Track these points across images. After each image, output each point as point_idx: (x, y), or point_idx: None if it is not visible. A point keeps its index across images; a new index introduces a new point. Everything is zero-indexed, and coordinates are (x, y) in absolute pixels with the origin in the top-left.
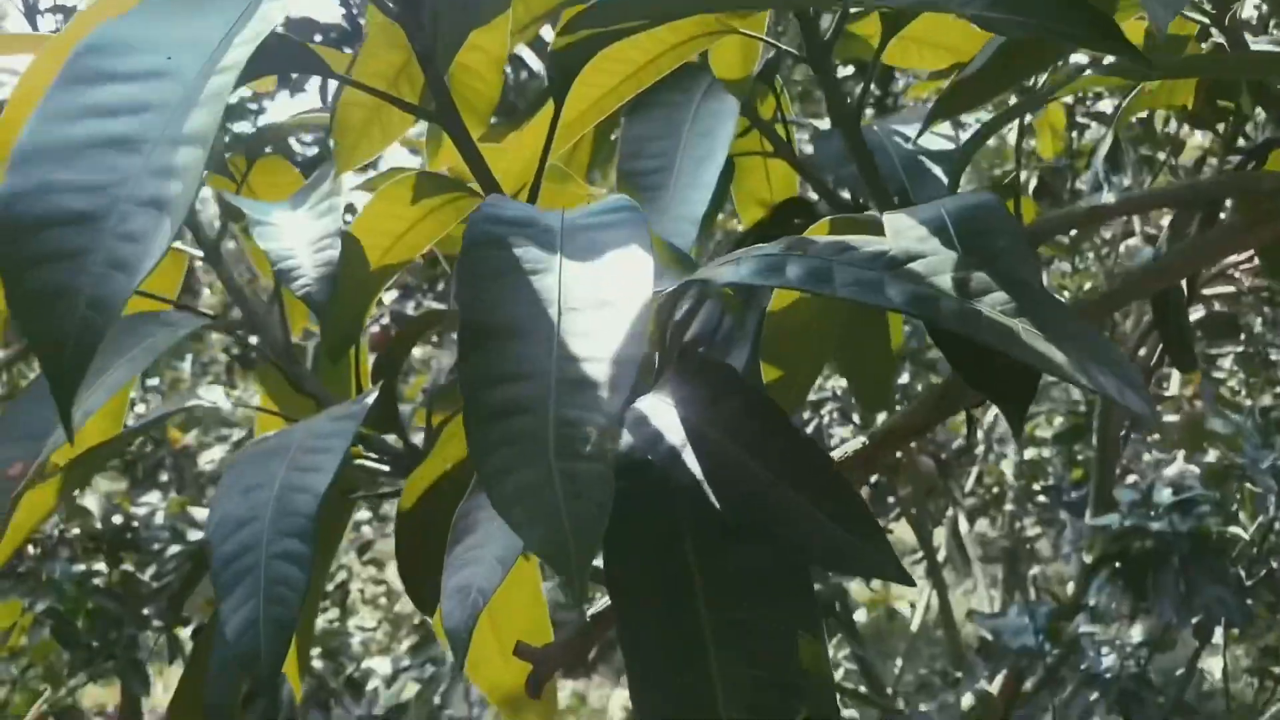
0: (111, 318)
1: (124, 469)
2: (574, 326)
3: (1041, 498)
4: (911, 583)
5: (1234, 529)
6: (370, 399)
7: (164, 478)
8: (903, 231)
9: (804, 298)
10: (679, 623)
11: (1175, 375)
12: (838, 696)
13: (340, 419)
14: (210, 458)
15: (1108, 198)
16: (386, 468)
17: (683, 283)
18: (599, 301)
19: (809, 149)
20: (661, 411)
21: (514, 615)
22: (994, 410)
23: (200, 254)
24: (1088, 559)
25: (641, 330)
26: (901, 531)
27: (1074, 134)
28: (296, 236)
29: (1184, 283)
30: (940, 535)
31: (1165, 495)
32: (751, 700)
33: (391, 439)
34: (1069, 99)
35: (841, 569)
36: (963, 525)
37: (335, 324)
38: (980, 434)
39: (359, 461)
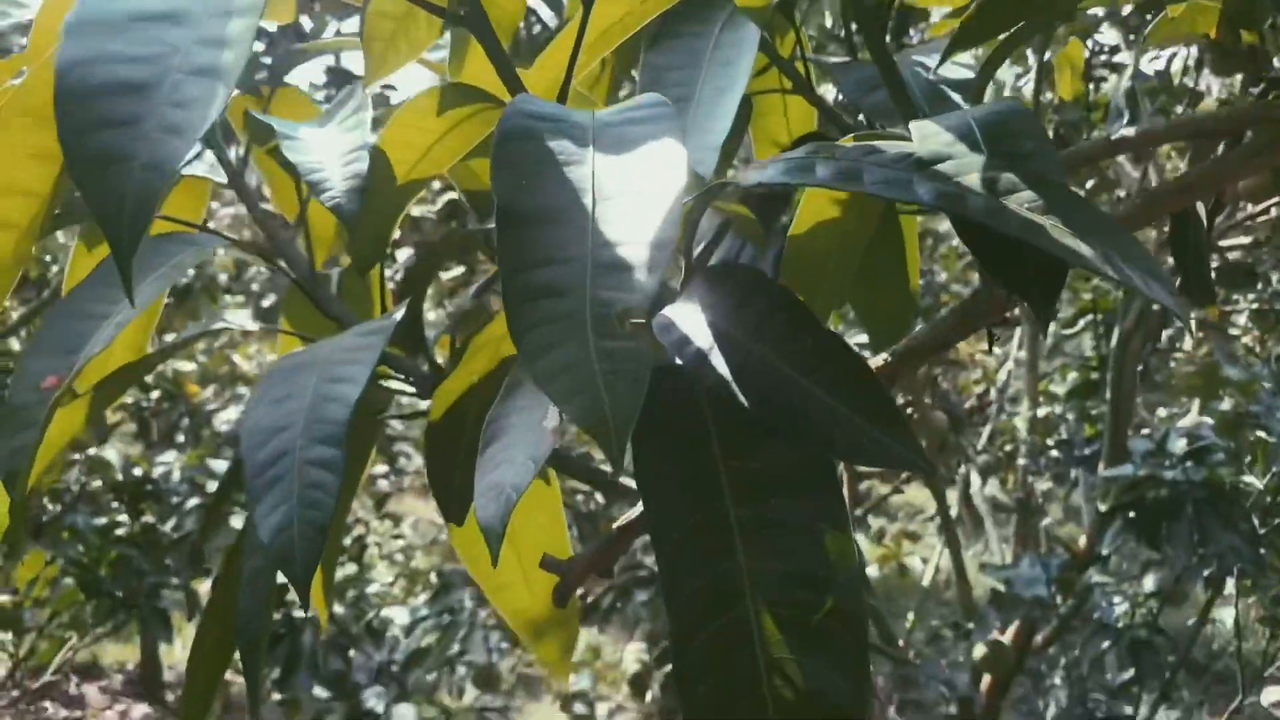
0: (167, 180)
1: (140, 432)
2: (608, 213)
3: (1054, 453)
4: (935, 473)
5: (1248, 478)
6: (398, 316)
7: (180, 439)
8: (929, 136)
9: (825, 223)
10: (707, 519)
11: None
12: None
13: (369, 333)
14: (226, 418)
15: (1127, 130)
16: (412, 388)
17: (711, 185)
18: (633, 190)
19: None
20: (688, 317)
21: (535, 540)
22: (1007, 367)
23: (224, 180)
24: (1102, 507)
25: (675, 217)
26: (912, 494)
27: (1091, 86)
28: (325, 150)
29: (1203, 214)
30: (953, 497)
31: (1179, 445)
32: (779, 593)
33: (417, 362)
34: (1086, 52)
35: (869, 462)
36: (975, 482)
37: (364, 236)
38: (993, 392)
39: (384, 383)
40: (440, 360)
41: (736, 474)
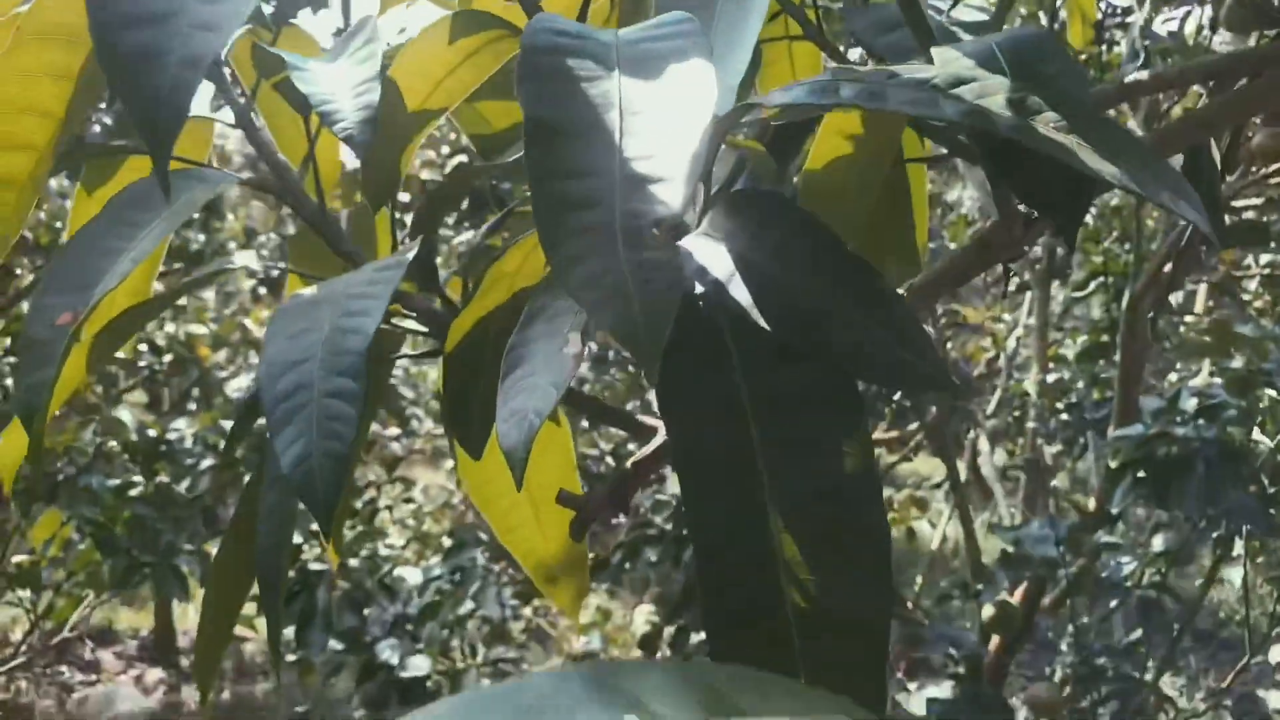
0: (200, 74)
1: (151, 403)
2: (635, 127)
3: (1064, 416)
4: (955, 390)
5: (1258, 436)
6: (411, 253)
7: (192, 407)
8: (952, 61)
9: (840, 159)
10: (729, 441)
11: (1201, 291)
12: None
13: (383, 269)
14: (238, 385)
15: (1140, 74)
16: (424, 329)
17: (736, 107)
18: (661, 105)
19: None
20: (706, 246)
21: (548, 483)
22: (1014, 336)
23: (231, 122)
24: (1113, 464)
25: (704, 131)
26: (919, 464)
27: (1103, 48)
28: (336, 81)
29: (1218, 157)
30: (961, 467)
31: (1190, 403)
32: (801, 512)
33: (430, 300)
34: (1099, 14)
35: (893, 383)
36: (984, 448)
37: (376, 169)
38: (1002, 359)
39: (395, 321)
40: (454, 300)
41: (758, 396)
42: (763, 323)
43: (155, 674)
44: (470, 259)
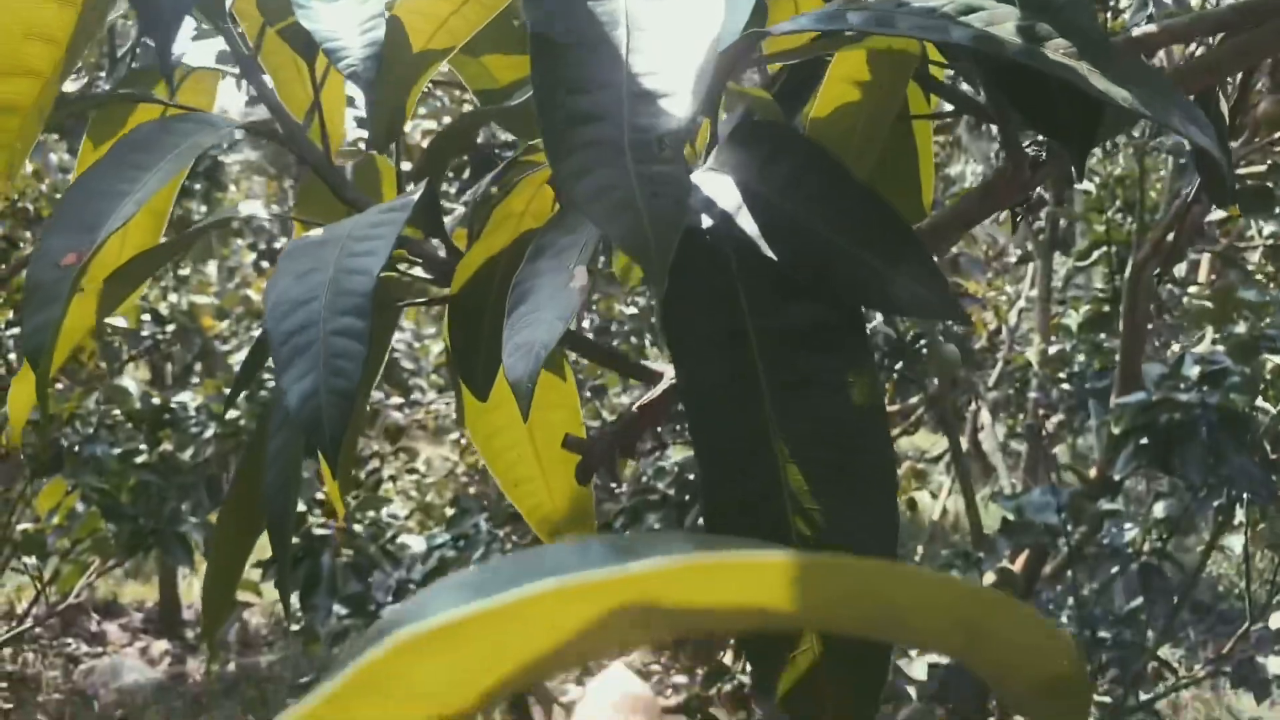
0: None
1: (154, 378)
2: (641, 44)
3: (1066, 386)
4: (966, 320)
5: (1261, 403)
6: (417, 195)
7: (195, 381)
8: None
9: (847, 107)
10: (736, 376)
11: (1204, 262)
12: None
13: (389, 210)
14: (241, 360)
15: (1149, 27)
16: (430, 277)
17: (744, 34)
18: (666, 22)
19: None
20: (713, 180)
21: (553, 436)
22: (1017, 308)
23: (236, 71)
24: (1115, 430)
25: (708, 48)
26: (920, 439)
27: (1108, 15)
28: (341, 18)
29: (1226, 112)
30: (963, 443)
31: (1193, 370)
32: (807, 445)
33: (434, 247)
34: None
35: (902, 312)
36: (985, 420)
37: (381, 109)
38: (1004, 331)
39: (401, 268)
40: (459, 248)
41: (764, 331)
42: (770, 253)
43: (161, 645)
44: (474, 208)
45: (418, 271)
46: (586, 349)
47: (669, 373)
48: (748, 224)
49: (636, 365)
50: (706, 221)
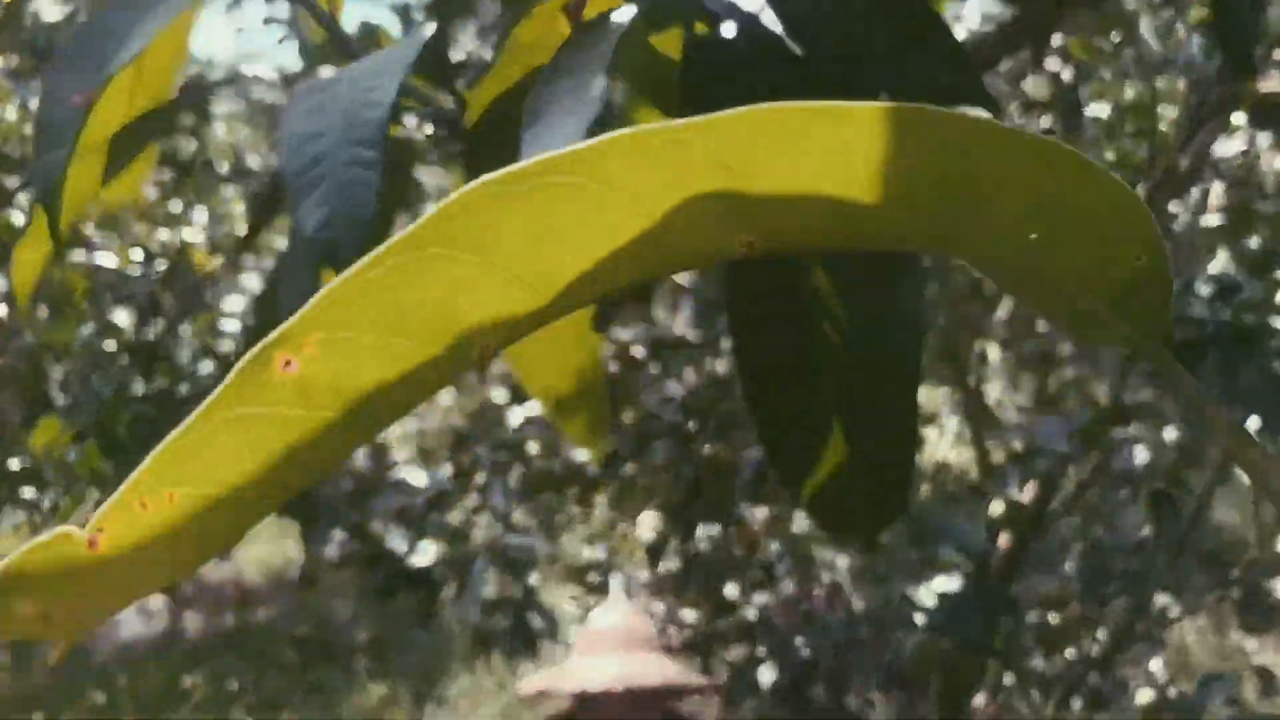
0: None
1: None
2: None
3: None
4: (996, 106)
5: (1276, 321)
6: (426, 33)
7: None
8: None
9: None
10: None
11: (1216, 189)
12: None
13: (398, 49)
14: (232, 309)
15: None
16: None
17: None
18: None
19: None
20: None
21: (565, 328)
22: None
23: None
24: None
25: None
26: (923, 396)
27: None
28: None
29: None
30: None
31: (1206, 289)
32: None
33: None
34: None
35: (932, 99)
36: (992, 358)
37: None
38: None
39: (408, 114)
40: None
41: None
42: (797, 50)
43: (157, 601)
44: (478, 78)
45: (428, 130)
46: None
47: None
48: (773, 22)
49: None
50: (731, 24)
